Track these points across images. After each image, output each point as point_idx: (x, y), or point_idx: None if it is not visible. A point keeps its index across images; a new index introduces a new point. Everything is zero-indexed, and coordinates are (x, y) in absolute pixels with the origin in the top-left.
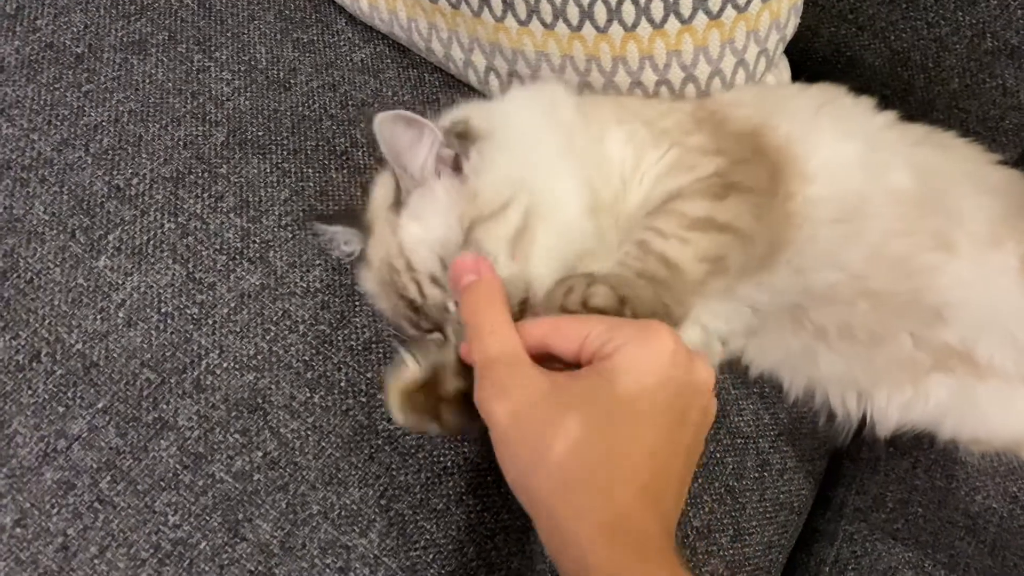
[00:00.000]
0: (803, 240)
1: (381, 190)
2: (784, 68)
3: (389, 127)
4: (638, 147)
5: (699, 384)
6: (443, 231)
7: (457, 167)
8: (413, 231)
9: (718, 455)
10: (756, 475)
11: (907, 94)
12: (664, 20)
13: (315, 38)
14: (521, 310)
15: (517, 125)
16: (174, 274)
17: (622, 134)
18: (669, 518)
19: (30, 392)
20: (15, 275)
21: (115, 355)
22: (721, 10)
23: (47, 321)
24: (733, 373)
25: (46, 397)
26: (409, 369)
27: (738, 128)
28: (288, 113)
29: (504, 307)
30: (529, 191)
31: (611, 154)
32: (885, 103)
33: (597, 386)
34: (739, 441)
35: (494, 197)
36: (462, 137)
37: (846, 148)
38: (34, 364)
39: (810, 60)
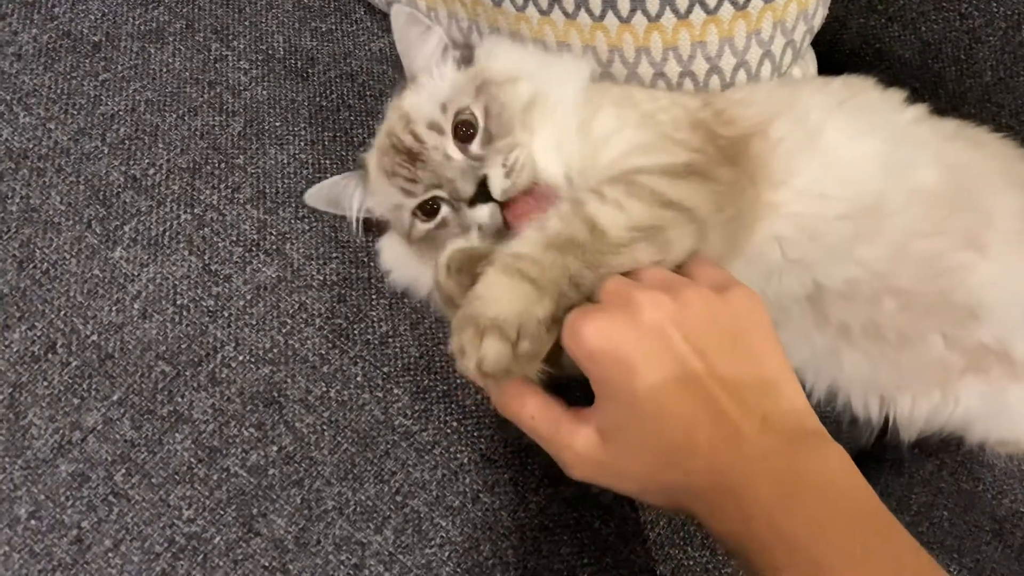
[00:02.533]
0: (800, 234)
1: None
2: (811, 60)
3: (402, 21)
4: (623, 126)
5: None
6: (450, 87)
7: (465, 61)
8: (414, 99)
9: None
10: None
11: (938, 87)
12: (689, 10)
13: (333, 27)
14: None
15: (530, 50)
16: (190, 266)
17: (614, 112)
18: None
19: (45, 383)
20: (31, 265)
21: (130, 347)
22: (747, 0)
23: (63, 312)
24: None
25: (61, 389)
26: (472, 241)
27: (733, 134)
28: (306, 103)
29: (534, 387)
30: (535, 83)
31: (596, 128)
32: (915, 96)
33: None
34: None
35: (504, 72)
36: (467, 47)
37: (863, 145)
38: (49, 355)
39: (838, 52)
